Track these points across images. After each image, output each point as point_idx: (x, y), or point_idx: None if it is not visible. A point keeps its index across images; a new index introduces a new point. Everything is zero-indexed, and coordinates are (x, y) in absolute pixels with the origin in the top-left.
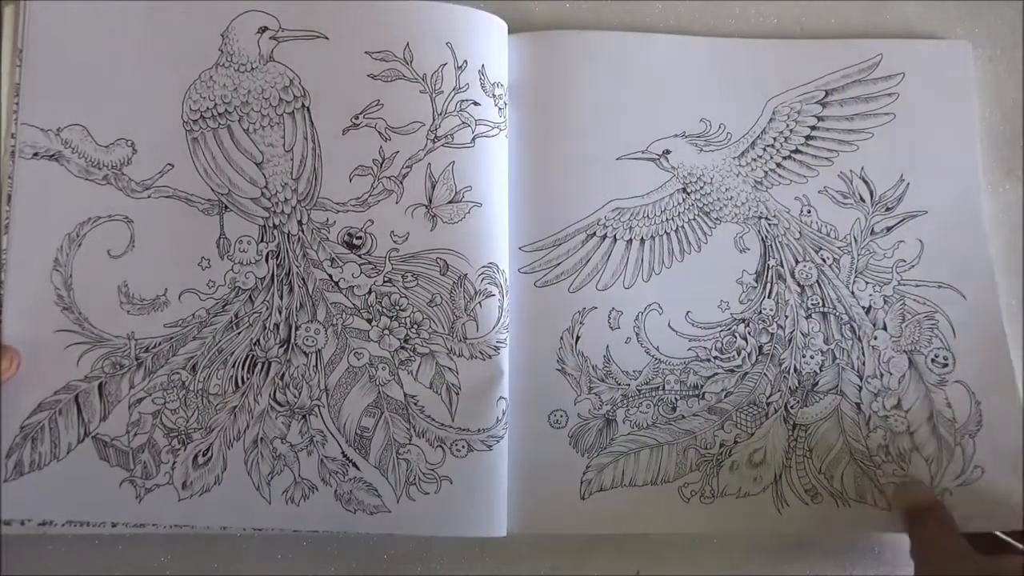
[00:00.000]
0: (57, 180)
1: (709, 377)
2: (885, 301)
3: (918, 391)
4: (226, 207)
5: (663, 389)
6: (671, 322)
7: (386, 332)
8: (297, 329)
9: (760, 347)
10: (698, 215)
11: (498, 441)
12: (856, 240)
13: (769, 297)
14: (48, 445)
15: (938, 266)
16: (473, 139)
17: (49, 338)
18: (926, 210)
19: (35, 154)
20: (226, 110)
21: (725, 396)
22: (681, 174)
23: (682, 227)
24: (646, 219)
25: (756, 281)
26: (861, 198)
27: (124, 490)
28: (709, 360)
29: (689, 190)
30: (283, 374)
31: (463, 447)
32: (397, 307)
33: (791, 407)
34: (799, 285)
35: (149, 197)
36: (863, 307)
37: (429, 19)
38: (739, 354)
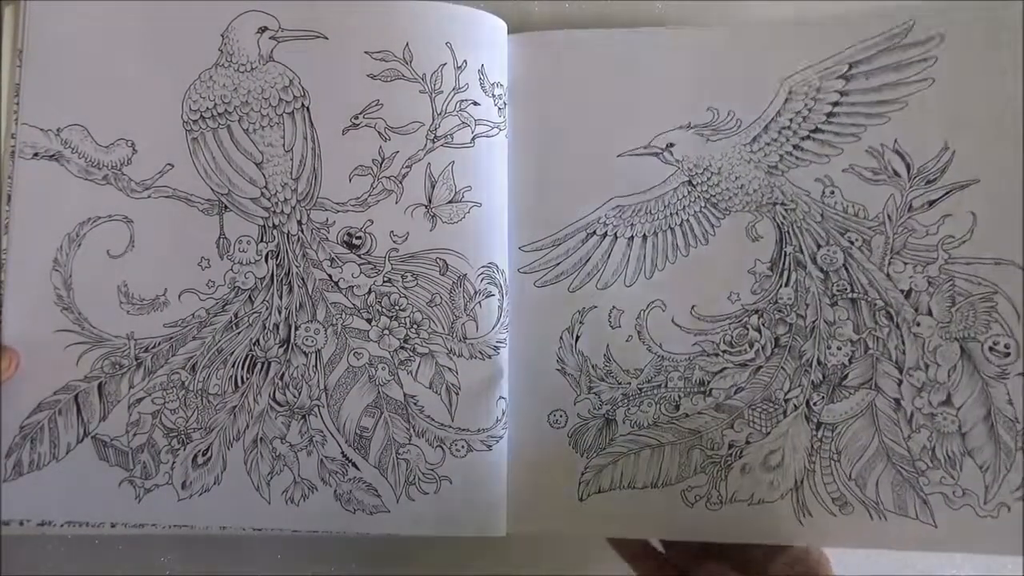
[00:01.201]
0: (57, 180)
1: (717, 372)
2: (929, 283)
3: (973, 385)
4: (226, 207)
5: (665, 387)
6: (675, 318)
7: (386, 332)
8: (297, 329)
9: (776, 339)
10: (705, 207)
11: (498, 441)
12: (891, 218)
13: (786, 285)
14: (47, 445)
15: (995, 240)
16: (473, 139)
17: (49, 338)
18: (977, 179)
19: (35, 154)
20: (226, 110)
21: (735, 392)
22: (686, 167)
23: (687, 220)
24: (648, 215)
25: (771, 270)
26: (895, 172)
27: (123, 490)
28: (717, 355)
29: (695, 182)
30: (283, 374)
31: (463, 447)
32: (397, 307)
33: (814, 403)
34: (822, 271)
35: (149, 197)
36: (901, 290)
37: (429, 19)
38: (751, 347)
